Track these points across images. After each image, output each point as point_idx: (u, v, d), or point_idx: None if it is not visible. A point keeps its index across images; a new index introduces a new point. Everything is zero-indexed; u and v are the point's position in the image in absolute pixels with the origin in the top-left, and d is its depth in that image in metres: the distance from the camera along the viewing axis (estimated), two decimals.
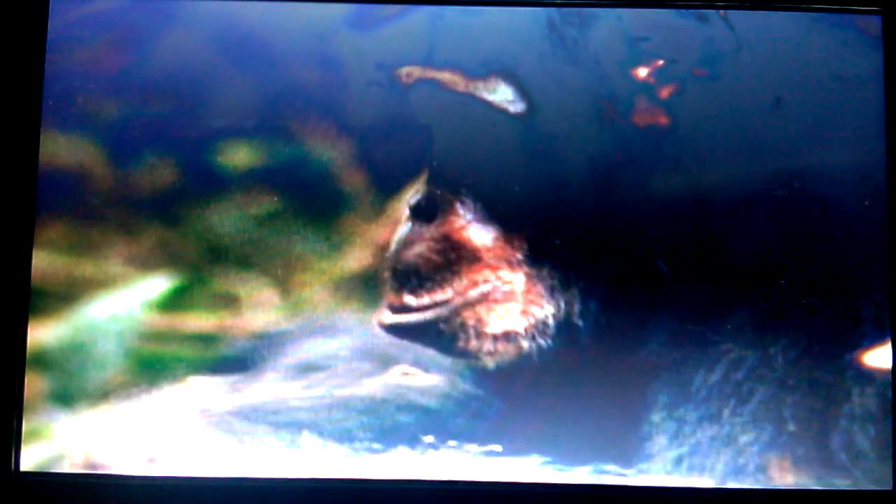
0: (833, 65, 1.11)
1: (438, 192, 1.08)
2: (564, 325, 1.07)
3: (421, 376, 1.06)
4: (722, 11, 1.12)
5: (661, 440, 1.06)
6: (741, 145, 1.10)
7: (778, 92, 1.10)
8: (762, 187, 1.09)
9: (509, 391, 1.06)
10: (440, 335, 1.07)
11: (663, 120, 1.10)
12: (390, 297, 1.07)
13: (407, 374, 1.06)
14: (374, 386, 1.06)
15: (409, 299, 1.07)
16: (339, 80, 1.09)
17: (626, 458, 1.06)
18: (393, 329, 1.07)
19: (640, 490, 1.06)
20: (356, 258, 1.08)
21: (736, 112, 1.10)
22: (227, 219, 1.08)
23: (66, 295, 1.08)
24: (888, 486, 1.07)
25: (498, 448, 1.06)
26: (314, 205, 1.09)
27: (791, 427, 1.06)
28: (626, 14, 1.12)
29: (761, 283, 1.08)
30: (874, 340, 1.08)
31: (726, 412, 1.06)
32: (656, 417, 1.06)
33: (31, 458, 1.07)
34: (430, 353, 1.07)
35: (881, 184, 1.10)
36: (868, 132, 1.10)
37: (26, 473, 1.07)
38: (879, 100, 1.11)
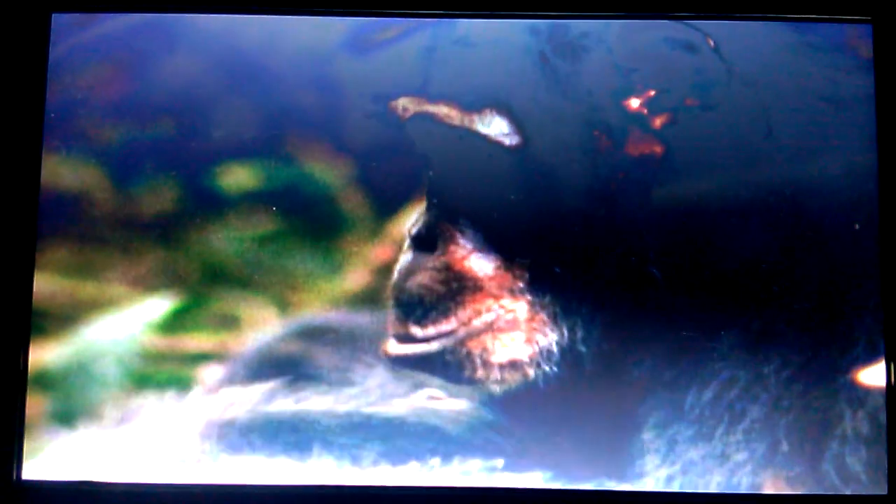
0: (824, 82, 1.12)
1: (438, 222, 1.09)
2: (568, 350, 1.08)
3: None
4: (711, 41, 1.12)
5: (655, 459, 1.08)
6: (736, 161, 1.11)
7: (770, 108, 1.11)
8: (756, 199, 1.10)
9: (514, 412, 1.08)
10: (446, 365, 1.08)
11: (657, 148, 1.11)
12: (396, 326, 1.08)
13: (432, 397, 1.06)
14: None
15: (415, 330, 1.08)
16: (337, 105, 1.10)
17: (623, 475, 1.08)
18: (399, 360, 1.08)
19: (635, 496, 1.08)
20: (356, 280, 1.08)
21: (731, 129, 1.11)
22: (227, 240, 1.09)
23: (67, 315, 1.09)
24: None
25: (500, 463, 1.08)
26: (313, 227, 1.10)
27: (783, 439, 1.08)
28: (617, 46, 1.12)
29: (755, 294, 1.09)
30: (867, 351, 1.09)
31: (720, 429, 1.08)
32: (650, 435, 1.08)
33: (32, 467, 1.08)
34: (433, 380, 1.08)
35: (873, 195, 1.11)
36: (860, 144, 1.11)
37: (28, 482, 1.08)
38: (871, 114, 1.12)
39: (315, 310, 1.08)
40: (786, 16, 1.13)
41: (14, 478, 1.08)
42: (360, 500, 1.08)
